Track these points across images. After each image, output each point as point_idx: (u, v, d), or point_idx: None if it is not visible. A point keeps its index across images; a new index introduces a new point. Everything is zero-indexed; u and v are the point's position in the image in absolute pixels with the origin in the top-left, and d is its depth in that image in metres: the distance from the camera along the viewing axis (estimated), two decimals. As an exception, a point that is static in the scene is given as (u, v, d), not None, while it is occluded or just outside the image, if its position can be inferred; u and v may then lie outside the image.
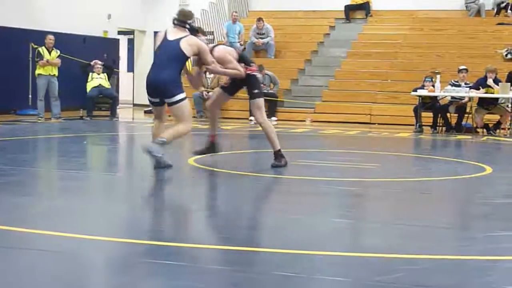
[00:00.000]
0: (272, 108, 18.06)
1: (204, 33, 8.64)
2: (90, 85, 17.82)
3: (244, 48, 20.48)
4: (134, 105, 24.06)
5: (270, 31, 20.22)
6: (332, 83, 19.07)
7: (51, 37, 16.44)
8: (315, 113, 18.20)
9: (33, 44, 16.84)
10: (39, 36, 16.78)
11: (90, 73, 17.99)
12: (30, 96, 17.69)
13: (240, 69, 8.43)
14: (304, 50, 20.54)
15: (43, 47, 16.21)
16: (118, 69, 21.31)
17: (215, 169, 8.55)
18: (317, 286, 3.97)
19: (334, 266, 4.36)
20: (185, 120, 8.15)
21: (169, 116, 8.38)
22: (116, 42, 22.53)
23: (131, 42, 25.29)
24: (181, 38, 8.04)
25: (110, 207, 6.43)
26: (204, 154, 9.09)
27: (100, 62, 18.28)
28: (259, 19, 20.17)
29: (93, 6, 20.94)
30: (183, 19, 8.21)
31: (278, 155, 8.62)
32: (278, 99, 18.25)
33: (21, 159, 8.14)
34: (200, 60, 8.36)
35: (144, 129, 16.08)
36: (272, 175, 8.35)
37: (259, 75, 8.78)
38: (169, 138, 8.03)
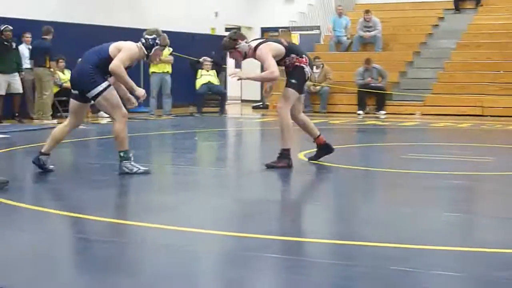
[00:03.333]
0: (380, 102, 17.89)
1: (242, 38, 7.97)
2: (199, 82, 18.10)
3: (351, 42, 20.36)
4: (242, 101, 24.26)
5: (378, 24, 20.00)
6: (442, 75, 18.71)
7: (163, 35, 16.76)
8: (424, 106, 17.89)
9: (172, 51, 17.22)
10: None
11: (199, 70, 18.27)
12: (141, 93, 18.10)
13: (272, 70, 7.72)
14: (412, 42, 20.21)
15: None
16: (226, 65, 21.51)
17: (324, 163, 8.53)
18: (435, 281, 3.91)
19: (450, 261, 4.30)
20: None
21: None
22: (223, 39, 22.75)
23: (238, 39, 25.49)
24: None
25: (222, 201, 6.51)
26: (320, 157, 8.49)
27: (209, 59, 18.53)
28: (367, 12, 19.98)
29: (201, 4, 21.24)
30: (143, 36, 7.61)
31: (283, 154, 7.99)
32: (387, 92, 18.05)
33: (135, 155, 8.35)
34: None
35: (253, 124, 16.22)
36: (382, 169, 8.27)
37: (307, 69, 8.00)
38: (120, 147, 7.43)
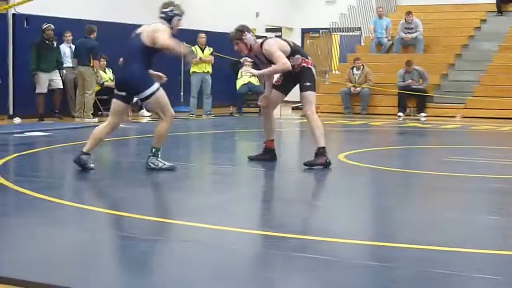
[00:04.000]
0: (421, 104, 17.78)
1: (248, 30, 7.94)
2: (239, 82, 18.14)
3: (392, 44, 20.25)
4: (282, 101, 24.24)
5: (419, 26, 19.87)
6: (484, 78, 18.52)
7: (203, 35, 16.87)
8: (465, 108, 17.74)
9: (185, 43, 17.28)
10: (191, 35, 17.22)
11: (240, 70, 18.31)
12: (182, 93, 18.23)
13: (283, 61, 7.81)
14: (454, 45, 20.05)
15: (196, 46, 16.66)
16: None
17: (364, 165, 8.51)
18: (477, 285, 3.88)
19: (493, 265, 4.26)
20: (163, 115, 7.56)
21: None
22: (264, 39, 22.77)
23: (278, 39, 25.50)
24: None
25: (260, 200, 6.52)
26: (259, 160, 8.51)
27: (249, 60, 18.54)
28: (408, 13, 19.86)
29: (242, 4, 21.28)
30: (160, 11, 7.72)
31: (319, 152, 8.01)
32: (428, 94, 17.93)
33: (176, 155, 8.41)
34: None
35: (292, 125, 16.21)
36: (422, 172, 8.23)
37: (314, 70, 8.16)
38: (157, 144, 7.60)
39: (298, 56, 8.05)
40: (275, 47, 7.92)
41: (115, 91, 7.58)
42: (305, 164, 8.02)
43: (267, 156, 8.52)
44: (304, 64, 8.08)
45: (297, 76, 8.11)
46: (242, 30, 7.99)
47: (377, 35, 20.46)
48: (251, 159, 8.58)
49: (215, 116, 16.92)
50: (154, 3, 17.53)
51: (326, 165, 8.01)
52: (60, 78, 14.96)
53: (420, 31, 19.82)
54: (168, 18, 7.63)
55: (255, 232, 5.07)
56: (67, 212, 5.74)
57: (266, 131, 8.60)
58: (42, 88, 14.62)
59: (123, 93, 7.48)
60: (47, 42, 14.61)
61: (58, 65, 14.92)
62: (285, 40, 8.31)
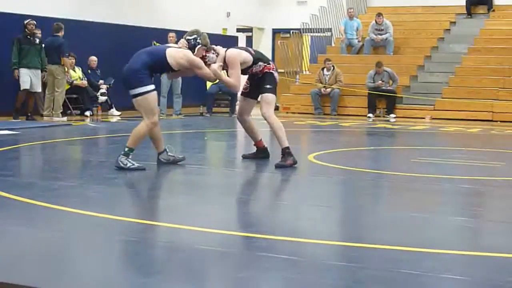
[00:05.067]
0: (390, 105, 17.88)
1: (209, 50, 8.02)
2: (209, 82, 18.10)
3: (362, 45, 20.35)
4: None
5: (389, 27, 19.98)
6: (453, 79, 18.67)
7: (172, 34, 16.79)
8: (435, 110, 17.88)
9: (155, 42, 17.23)
10: (161, 34, 17.18)
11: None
12: (152, 93, 18.15)
13: (237, 83, 8.17)
14: (423, 46, 20.19)
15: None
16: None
17: (333, 166, 8.54)
18: (444, 285, 3.91)
19: (461, 265, 4.30)
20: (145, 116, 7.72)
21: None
22: (235, 39, 22.76)
23: (249, 40, 25.53)
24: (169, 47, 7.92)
25: (228, 201, 6.52)
26: (252, 158, 8.75)
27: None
28: (379, 15, 19.96)
29: (213, 4, 21.27)
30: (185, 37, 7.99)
31: (285, 153, 8.19)
32: (397, 95, 18.04)
33: (145, 154, 8.39)
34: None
35: (263, 125, 16.22)
36: (391, 173, 8.28)
37: (276, 74, 8.41)
38: (131, 144, 7.68)
39: (260, 63, 8.31)
40: (237, 62, 8.15)
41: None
42: (276, 167, 8.09)
43: (260, 155, 8.76)
44: (266, 70, 8.32)
45: (259, 80, 8.36)
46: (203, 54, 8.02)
47: (347, 36, 20.55)
48: (244, 157, 8.85)
49: (185, 116, 16.89)
50: (124, 3, 17.35)
51: (294, 164, 8.15)
52: (40, 81, 14.79)
53: (390, 32, 19.94)
54: (191, 47, 7.87)
55: (223, 232, 5.07)
56: (36, 212, 5.70)
57: (251, 136, 8.87)
58: (25, 83, 14.46)
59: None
60: (28, 37, 14.48)
61: (41, 63, 14.76)
62: (247, 50, 8.50)
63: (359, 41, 20.50)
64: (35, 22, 14.52)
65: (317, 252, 4.61)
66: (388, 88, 17.91)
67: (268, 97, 8.34)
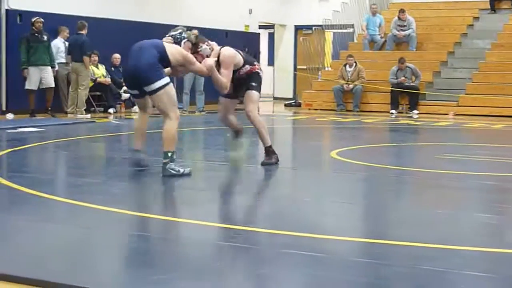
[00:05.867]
0: (413, 101, 17.80)
1: (203, 41, 7.79)
2: (232, 79, 18.12)
3: (385, 41, 20.27)
4: (274, 98, 24.28)
5: (412, 23, 19.88)
6: (476, 75, 18.56)
7: (195, 31, 16.78)
8: (458, 106, 17.77)
9: (178, 39, 17.28)
10: (184, 31, 17.20)
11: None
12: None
13: (226, 84, 7.88)
14: (446, 42, 20.08)
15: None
16: (259, 62, 21.53)
17: (357, 162, 8.52)
18: (468, 282, 3.89)
19: (485, 262, 4.28)
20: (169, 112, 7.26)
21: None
22: (257, 36, 22.78)
23: (271, 36, 25.52)
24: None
25: (251, 197, 6.53)
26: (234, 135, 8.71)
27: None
28: (402, 11, 19.88)
29: (235, 1, 21.28)
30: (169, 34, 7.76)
31: (269, 151, 8.15)
32: (420, 91, 17.96)
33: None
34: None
35: (285, 122, 16.22)
36: (415, 169, 8.24)
37: (261, 73, 8.22)
38: (168, 147, 7.20)
39: (247, 66, 8.15)
40: (232, 63, 7.96)
41: (129, 92, 7.46)
42: (262, 164, 8.06)
43: (237, 134, 8.66)
44: (252, 70, 8.17)
45: (245, 80, 8.19)
46: (197, 42, 7.79)
47: (370, 32, 20.48)
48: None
49: (207, 113, 16.90)
50: (146, 0, 17.38)
51: (277, 161, 8.13)
52: (51, 76, 14.83)
53: (413, 28, 19.84)
54: (177, 42, 7.60)
55: (245, 228, 5.07)
56: (59, 208, 5.74)
57: (232, 129, 8.68)
58: (32, 84, 14.49)
59: (136, 91, 7.33)
60: (36, 35, 14.53)
61: (50, 60, 14.82)
62: (238, 52, 8.25)
63: (381, 37, 20.42)
64: (42, 20, 14.54)
65: (340, 249, 4.60)
66: (411, 84, 17.83)
67: (254, 94, 8.17)
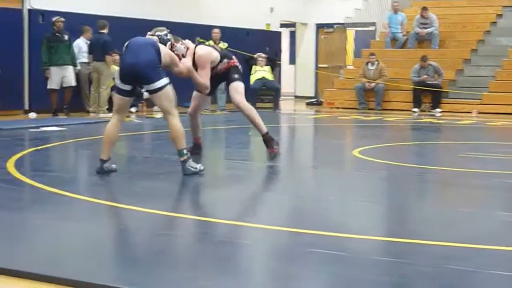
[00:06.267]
0: (436, 99, 17.70)
1: (177, 40, 7.74)
2: (253, 78, 18.12)
3: (407, 39, 20.17)
4: (296, 97, 24.24)
5: (434, 21, 19.77)
6: (500, 73, 18.41)
7: (217, 30, 16.84)
8: (481, 104, 17.65)
9: (199, 38, 17.30)
10: (205, 30, 17.23)
11: (254, 66, 18.29)
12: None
13: (207, 83, 7.83)
14: (469, 40, 19.95)
15: (210, 41, 16.64)
16: (280, 61, 21.49)
17: (379, 161, 8.48)
18: (493, 281, 3.85)
19: (509, 261, 4.23)
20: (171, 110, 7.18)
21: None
22: (278, 34, 22.75)
23: (292, 35, 25.49)
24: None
25: (274, 196, 6.51)
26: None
27: (263, 55, 18.54)
28: (424, 8, 19.76)
29: (256, 0, 21.25)
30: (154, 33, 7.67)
31: (267, 138, 8.07)
32: (443, 89, 17.85)
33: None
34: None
35: (306, 120, 16.19)
36: (438, 167, 8.19)
37: (240, 66, 8.19)
38: (180, 145, 7.12)
39: (225, 60, 8.07)
40: (208, 62, 7.87)
41: (118, 85, 7.18)
42: (271, 158, 8.01)
43: (196, 151, 8.32)
44: (231, 64, 8.11)
45: (223, 75, 8.11)
46: (172, 42, 7.73)
47: (392, 30, 20.38)
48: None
49: (229, 112, 16.90)
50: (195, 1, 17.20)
51: (278, 145, 8.11)
52: (73, 75, 14.88)
53: (436, 26, 19.73)
54: (162, 42, 7.46)
55: (269, 227, 5.06)
56: (82, 207, 5.75)
57: (194, 132, 8.46)
58: (54, 83, 14.58)
59: (128, 87, 7.13)
60: (57, 34, 14.60)
61: (72, 59, 14.88)
62: (214, 48, 8.23)
63: (403, 35, 20.32)
64: (63, 19, 14.61)
65: (364, 248, 4.57)
66: (434, 82, 17.73)
67: (239, 85, 8.08)
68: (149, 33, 7.62)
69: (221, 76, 8.13)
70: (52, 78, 14.56)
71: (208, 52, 7.95)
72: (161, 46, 7.30)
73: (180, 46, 7.74)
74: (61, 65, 14.61)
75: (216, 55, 8.00)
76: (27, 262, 4.06)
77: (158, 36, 7.54)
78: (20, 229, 4.97)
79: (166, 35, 7.63)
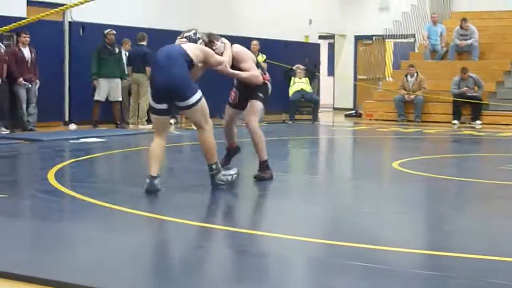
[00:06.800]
0: (476, 112, 17.54)
1: (217, 38, 7.59)
2: (292, 89, 18.14)
3: (446, 51, 20.03)
4: (335, 109, 24.18)
5: (474, 32, 19.62)
6: (540, 85, 18.22)
7: (256, 42, 16.88)
8: (522, 116, 17.47)
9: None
10: (243, 42, 17.25)
11: (292, 78, 18.31)
12: (234, 100, 18.29)
13: (257, 73, 7.61)
14: (510, 51, 19.72)
15: (248, 53, 16.70)
16: (319, 73, 21.46)
17: (418, 173, 8.42)
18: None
19: (552, 276, 4.18)
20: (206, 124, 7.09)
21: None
22: (317, 46, 22.75)
23: (331, 47, 25.45)
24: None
25: (312, 208, 6.50)
26: (228, 160, 8.23)
27: (302, 67, 18.55)
28: (464, 20, 19.62)
29: (294, 11, 21.27)
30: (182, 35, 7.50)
31: (264, 166, 7.78)
32: (483, 102, 17.69)
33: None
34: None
35: (345, 132, 16.15)
36: (478, 180, 8.11)
37: (270, 86, 7.81)
38: (211, 159, 7.11)
39: (259, 70, 7.81)
40: (249, 56, 7.75)
41: (153, 105, 7.06)
42: (256, 178, 7.77)
43: (236, 153, 8.34)
44: (264, 80, 7.78)
45: (252, 90, 7.78)
46: (212, 40, 7.63)
47: (431, 41, 20.26)
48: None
49: (267, 124, 16.91)
50: (206, 11, 17.52)
51: (271, 177, 7.78)
52: (120, 89, 14.99)
53: (476, 37, 19.57)
54: (192, 42, 7.35)
55: (307, 239, 5.04)
56: (123, 218, 5.79)
57: (229, 139, 8.31)
58: (100, 95, 14.74)
59: (164, 106, 7.01)
60: (108, 47, 14.75)
61: (121, 73, 15.03)
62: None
63: (443, 47, 20.19)
64: (115, 32, 14.78)
65: (403, 261, 4.54)
66: (474, 94, 17.57)
67: (258, 105, 7.76)
68: (178, 38, 7.59)
69: (250, 90, 7.78)
70: (99, 89, 14.71)
71: (245, 49, 7.85)
72: (189, 45, 7.20)
73: (221, 44, 7.68)
74: (110, 78, 14.76)
75: (254, 56, 7.90)
76: (67, 272, 4.10)
77: (186, 37, 7.44)
78: (60, 240, 5.02)
79: (195, 34, 7.48)
